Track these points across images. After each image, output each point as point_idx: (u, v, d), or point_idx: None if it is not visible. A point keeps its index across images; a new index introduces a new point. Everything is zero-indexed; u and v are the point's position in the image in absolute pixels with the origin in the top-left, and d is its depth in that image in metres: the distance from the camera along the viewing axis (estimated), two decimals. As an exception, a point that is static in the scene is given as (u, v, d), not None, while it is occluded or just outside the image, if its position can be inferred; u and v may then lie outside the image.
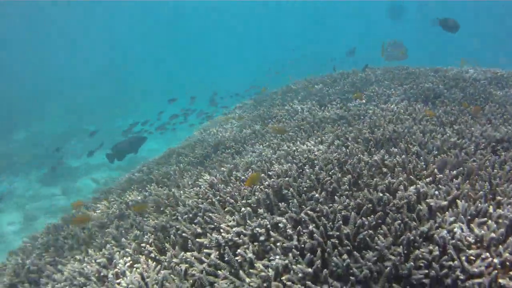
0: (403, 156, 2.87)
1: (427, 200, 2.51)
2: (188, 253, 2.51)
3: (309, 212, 2.46)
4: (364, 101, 4.48)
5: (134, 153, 7.37)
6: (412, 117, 3.68)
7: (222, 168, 3.32)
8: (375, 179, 2.70)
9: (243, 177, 3.03)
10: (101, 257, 2.82)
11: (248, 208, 2.55)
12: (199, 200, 2.88)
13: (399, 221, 2.34)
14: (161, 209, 3.13)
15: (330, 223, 2.39)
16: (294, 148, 3.39)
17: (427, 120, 3.62)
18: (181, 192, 3.19)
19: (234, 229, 2.49)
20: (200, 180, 3.32)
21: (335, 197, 2.57)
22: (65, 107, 22.84)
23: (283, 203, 2.61)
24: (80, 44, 44.38)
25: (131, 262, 2.61)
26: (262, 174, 2.92)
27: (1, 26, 37.01)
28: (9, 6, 33.26)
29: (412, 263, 2.09)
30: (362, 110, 4.11)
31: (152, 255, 2.61)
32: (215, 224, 2.62)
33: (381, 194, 2.54)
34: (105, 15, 44.16)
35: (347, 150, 3.10)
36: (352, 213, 2.41)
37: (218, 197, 2.83)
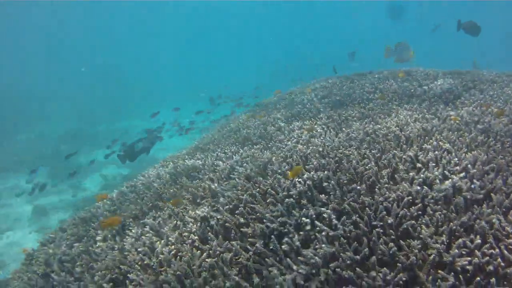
0: (436, 152, 2.97)
1: (463, 194, 2.61)
2: (233, 242, 2.58)
3: (351, 203, 2.55)
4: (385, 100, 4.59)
5: (146, 153, 7.46)
6: (437, 116, 3.80)
7: (257, 162, 3.40)
8: (410, 173, 2.79)
9: (279, 170, 3.11)
10: (142, 246, 2.88)
11: (292, 199, 2.64)
12: (239, 192, 2.96)
13: (439, 212, 2.44)
14: (198, 201, 3.21)
15: (373, 213, 2.49)
16: (326, 143, 3.50)
17: (450, 120, 3.73)
18: (216, 184, 3.27)
19: (279, 219, 2.57)
20: (233, 173, 3.40)
21: (376, 189, 2.66)
22: (67, 108, 22.89)
23: (323, 195, 2.71)
24: (82, 44, 44.51)
25: (175, 250, 2.68)
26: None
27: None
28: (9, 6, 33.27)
29: (456, 251, 2.18)
30: (386, 109, 4.23)
31: (196, 244, 2.68)
32: (258, 214, 2.70)
33: (418, 187, 2.63)
34: (108, 16, 44.30)
35: (380, 146, 3.20)
36: (394, 204, 2.50)
37: (258, 189, 2.91)
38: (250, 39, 50.85)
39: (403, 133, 3.41)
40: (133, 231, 3.21)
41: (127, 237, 3.16)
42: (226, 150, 4.29)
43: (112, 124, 21.63)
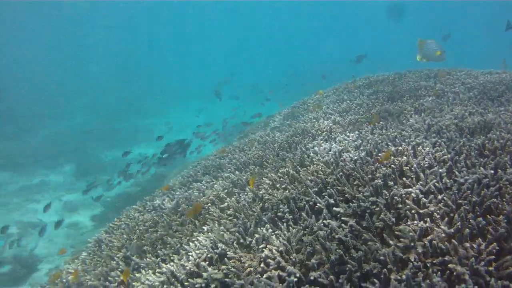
0: (501, 140, 3.23)
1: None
2: (326, 221, 2.83)
3: (436, 184, 2.81)
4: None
5: (183, 156, 7.71)
6: (489, 110, 4.06)
7: (330, 152, 3.66)
8: (481, 159, 3.05)
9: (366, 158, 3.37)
10: (233, 227, 3.12)
11: (380, 181, 2.89)
12: (322, 176, 3.20)
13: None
14: (277, 186, 3.45)
15: (456, 192, 2.74)
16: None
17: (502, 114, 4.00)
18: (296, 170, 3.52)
19: (370, 198, 2.81)
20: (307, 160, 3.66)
21: (456, 172, 2.92)
22: (87, 106, 23.24)
23: (405, 179, 2.96)
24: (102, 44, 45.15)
25: (270, 230, 2.92)
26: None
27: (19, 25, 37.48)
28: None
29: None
30: (437, 106, 4.50)
31: (290, 223, 2.92)
32: (346, 195, 2.95)
33: (492, 171, 2.89)
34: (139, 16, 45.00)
35: (447, 136, 3.46)
36: (475, 185, 2.76)
37: (341, 173, 3.16)
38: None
39: (464, 124, 3.68)
40: (214, 214, 3.45)
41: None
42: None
43: (136, 121, 22.07)
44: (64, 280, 3.92)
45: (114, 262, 3.86)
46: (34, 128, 18.21)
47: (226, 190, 3.76)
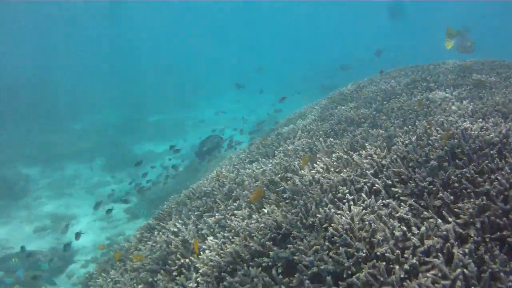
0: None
1: None
2: (385, 201, 3.02)
3: (488, 164, 2.98)
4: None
5: (218, 151, 7.96)
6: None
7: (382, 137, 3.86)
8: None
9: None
10: (293, 209, 3.33)
11: (435, 162, 3.07)
12: (377, 159, 3.40)
13: None
14: (331, 170, 3.65)
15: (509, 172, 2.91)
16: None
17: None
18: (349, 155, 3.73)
19: (427, 179, 3.00)
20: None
21: (506, 154, 3.09)
22: (118, 101, 23.78)
23: (457, 161, 3.14)
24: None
25: (333, 210, 3.12)
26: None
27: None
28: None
29: None
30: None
31: (351, 203, 3.13)
32: (403, 177, 3.14)
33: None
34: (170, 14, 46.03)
35: (492, 120, 3.63)
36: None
37: (395, 156, 3.35)
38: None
39: (507, 109, 3.83)
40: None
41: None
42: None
43: (167, 115, 22.58)
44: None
45: (173, 246, 4.07)
46: (66, 122, 18.71)
47: (279, 175, 3.97)
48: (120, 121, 19.75)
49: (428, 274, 2.48)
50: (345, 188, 3.25)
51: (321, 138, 4.52)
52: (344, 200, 3.17)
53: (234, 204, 3.97)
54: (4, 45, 36.02)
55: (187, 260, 3.70)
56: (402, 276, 2.53)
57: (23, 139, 17.24)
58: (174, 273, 3.70)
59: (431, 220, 2.80)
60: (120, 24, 43.36)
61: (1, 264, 9.54)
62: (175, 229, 4.31)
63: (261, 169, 4.31)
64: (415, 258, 2.60)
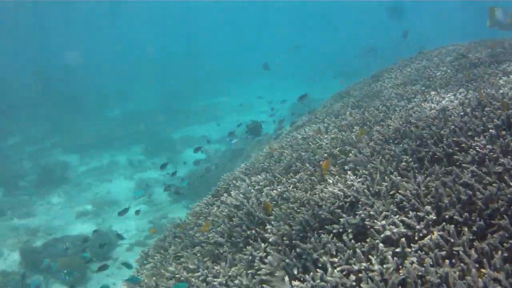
0: None
1: None
2: (448, 168, 3.26)
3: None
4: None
5: (258, 136, 8.31)
6: None
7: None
8: None
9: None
10: (358, 178, 3.60)
11: (493, 131, 3.29)
12: (435, 129, 3.64)
13: None
14: (390, 141, 3.90)
15: None
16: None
17: None
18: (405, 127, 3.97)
19: (487, 146, 3.23)
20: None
21: None
22: (154, 88, 24.40)
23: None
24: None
25: (399, 178, 3.36)
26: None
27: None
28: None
29: None
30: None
31: (416, 171, 3.38)
32: (462, 145, 3.37)
33: None
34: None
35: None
36: None
37: (453, 126, 3.58)
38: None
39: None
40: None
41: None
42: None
43: (199, 101, 23.11)
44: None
45: (237, 218, 4.31)
46: (103, 110, 19.24)
47: (338, 148, 4.23)
48: (158, 108, 20.24)
49: (495, 235, 2.70)
50: (408, 157, 3.50)
51: (374, 113, 4.76)
52: (409, 168, 3.42)
53: (296, 177, 4.23)
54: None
55: (253, 231, 3.94)
56: (471, 237, 2.75)
57: (62, 127, 17.76)
58: (240, 245, 3.90)
59: (494, 185, 3.02)
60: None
61: (46, 249, 9.97)
62: (237, 203, 4.55)
63: (317, 144, 4.58)
64: (482, 220, 2.81)
